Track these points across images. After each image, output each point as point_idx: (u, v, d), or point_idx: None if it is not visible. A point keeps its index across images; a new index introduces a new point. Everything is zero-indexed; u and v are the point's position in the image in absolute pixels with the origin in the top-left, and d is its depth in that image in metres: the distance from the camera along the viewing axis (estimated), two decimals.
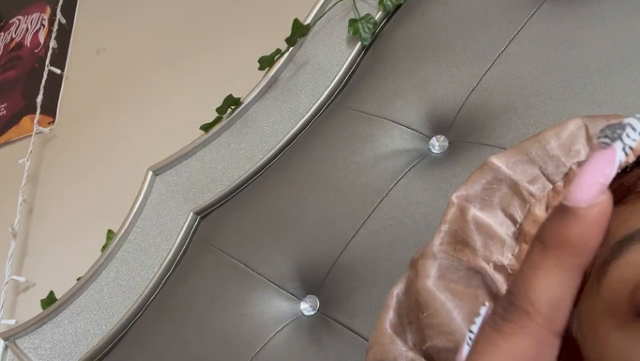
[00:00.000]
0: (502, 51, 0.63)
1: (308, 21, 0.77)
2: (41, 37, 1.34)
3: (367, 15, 0.74)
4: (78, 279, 0.75)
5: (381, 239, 0.60)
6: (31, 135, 1.14)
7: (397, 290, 0.35)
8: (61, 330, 0.74)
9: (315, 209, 0.66)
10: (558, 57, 0.60)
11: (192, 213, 0.75)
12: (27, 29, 1.37)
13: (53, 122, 1.19)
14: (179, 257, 0.74)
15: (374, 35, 0.75)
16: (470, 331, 0.20)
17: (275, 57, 0.77)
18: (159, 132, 1.03)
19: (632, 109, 0.54)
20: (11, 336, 0.74)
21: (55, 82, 1.22)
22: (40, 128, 1.15)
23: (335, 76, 0.75)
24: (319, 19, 0.77)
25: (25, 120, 1.23)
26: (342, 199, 0.65)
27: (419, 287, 0.32)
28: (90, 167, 1.09)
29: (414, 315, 0.32)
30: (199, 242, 0.74)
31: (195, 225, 0.76)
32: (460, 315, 0.30)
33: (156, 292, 0.73)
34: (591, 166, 0.15)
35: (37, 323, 0.74)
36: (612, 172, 0.14)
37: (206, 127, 0.78)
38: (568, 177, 0.32)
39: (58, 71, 1.22)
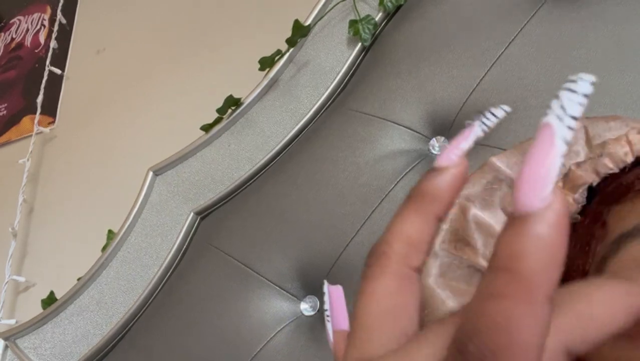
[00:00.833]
0: (502, 52, 0.63)
1: (308, 22, 0.77)
2: (41, 38, 1.34)
3: (368, 16, 0.75)
4: (78, 279, 0.75)
5: None
6: (31, 135, 1.14)
7: None
8: (61, 329, 0.74)
9: (316, 210, 0.67)
10: (558, 58, 0.60)
11: (192, 213, 0.75)
12: (27, 29, 1.37)
13: (53, 122, 1.19)
14: (179, 257, 0.74)
15: (375, 36, 0.76)
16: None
17: (276, 58, 0.77)
18: (159, 132, 1.03)
19: (631, 110, 0.54)
20: (11, 336, 0.74)
21: (55, 83, 1.23)
22: (41, 128, 1.15)
23: (336, 77, 0.75)
24: (319, 19, 0.77)
25: (26, 120, 1.23)
26: (342, 199, 0.65)
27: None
28: (91, 167, 1.09)
29: None
30: (199, 242, 0.74)
31: (195, 225, 0.76)
32: None
33: (156, 292, 0.73)
34: (455, 139, 0.18)
35: (37, 323, 0.74)
36: (466, 145, 0.17)
37: (206, 128, 0.78)
38: (567, 177, 0.32)
39: (58, 71, 1.23)
